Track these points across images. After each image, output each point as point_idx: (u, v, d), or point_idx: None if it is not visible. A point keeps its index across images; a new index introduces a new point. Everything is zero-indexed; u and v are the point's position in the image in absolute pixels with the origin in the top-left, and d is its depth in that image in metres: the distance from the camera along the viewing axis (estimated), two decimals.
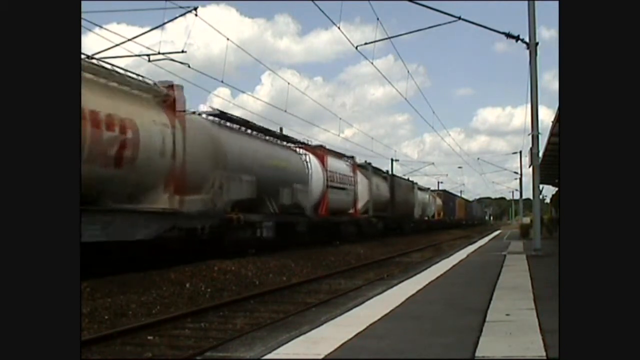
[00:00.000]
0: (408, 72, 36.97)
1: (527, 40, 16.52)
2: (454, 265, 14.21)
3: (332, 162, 26.78)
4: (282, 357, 4.87)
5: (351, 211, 29.65)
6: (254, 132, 20.35)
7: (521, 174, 51.77)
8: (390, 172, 41.93)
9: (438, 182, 70.41)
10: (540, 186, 23.20)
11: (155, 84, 14.30)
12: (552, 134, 17.63)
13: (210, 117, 17.27)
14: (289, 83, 32.57)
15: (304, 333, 5.77)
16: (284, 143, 23.24)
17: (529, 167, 18.42)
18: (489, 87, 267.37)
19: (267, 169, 19.04)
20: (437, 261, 16.00)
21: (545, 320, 6.00)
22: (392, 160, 50.11)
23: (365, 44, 18.49)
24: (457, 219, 73.35)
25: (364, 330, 5.83)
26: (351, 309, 7.33)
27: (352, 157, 31.05)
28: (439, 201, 62.30)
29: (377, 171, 37.03)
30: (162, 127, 13.52)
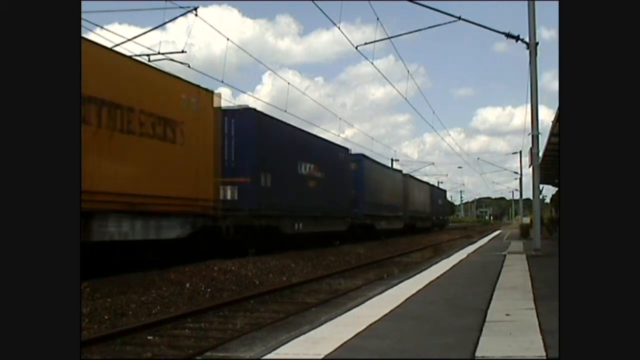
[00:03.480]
0: (408, 72, 36.78)
1: (527, 40, 16.53)
2: (454, 265, 14.21)
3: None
4: (282, 357, 4.87)
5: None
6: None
7: (521, 174, 51.80)
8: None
9: (438, 182, 70.10)
10: (540, 186, 23.21)
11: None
12: (552, 134, 17.63)
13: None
14: (289, 83, 32.63)
15: (304, 333, 5.77)
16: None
17: (529, 167, 18.44)
18: (489, 87, 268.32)
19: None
20: (437, 261, 16.00)
21: (545, 321, 6.00)
22: (392, 160, 50.03)
23: (366, 44, 18.54)
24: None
25: (364, 330, 5.83)
26: (351, 309, 7.33)
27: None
28: None
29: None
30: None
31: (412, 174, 51.27)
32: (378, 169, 35.87)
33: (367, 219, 32.01)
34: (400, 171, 44.28)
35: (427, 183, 57.09)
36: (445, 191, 73.51)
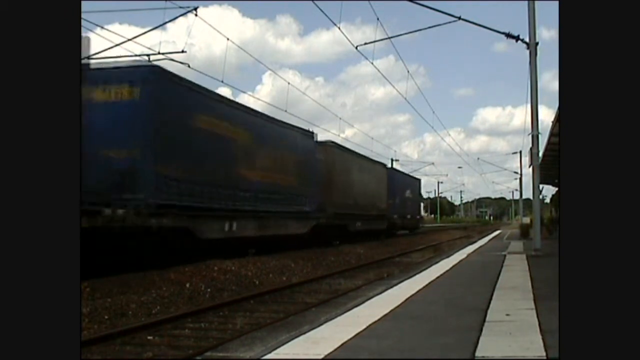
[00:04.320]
0: (408, 72, 36.75)
1: (527, 40, 16.53)
2: (453, 265, 14.21)
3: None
4: (282, 357, 4.87)
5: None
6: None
7: (521, 174, 51.82)
8: None
9: (438, 183, 69.25)
10: (540, 186, 23.21)
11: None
12: (552, 134, 17.64)
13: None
14: (289, 83, 32.44)
15: (304, 333, 5.76)
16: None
17: (529, 167, 18.44)
18: (489, 87, 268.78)
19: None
20: (437, 261, 16.00)
21: (545, 321, 6.00)
22: (392, 160, 49.98)
23: (366, 44, 18.58)
24: None
25: (364, 330, 5.83)
26: (351, 309, 7.33)
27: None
28: None
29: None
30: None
31: (360, 153, 32.37)
32: (226, 113, 16.65)
33: (170, 215, 13.63)
34: (312, 133, 23.67)
35: (382, 164, 37.19)
36: (418, 180, 50.71)
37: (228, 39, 17.48)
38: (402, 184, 41.84)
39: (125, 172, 12.58)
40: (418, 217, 48.92)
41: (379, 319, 6.42)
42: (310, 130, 23.68)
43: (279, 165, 20.06)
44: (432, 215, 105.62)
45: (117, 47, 15.96)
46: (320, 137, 25.89)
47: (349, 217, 27.91)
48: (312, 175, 23.03)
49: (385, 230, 35.96)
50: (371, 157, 34.36)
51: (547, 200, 44.46)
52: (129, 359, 7.32)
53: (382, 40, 19.45)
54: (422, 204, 59.30)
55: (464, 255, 18.11)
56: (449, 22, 16.40)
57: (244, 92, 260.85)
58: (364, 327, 5.96)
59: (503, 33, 16.66)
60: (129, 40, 16.30)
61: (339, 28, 20.56)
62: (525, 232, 32.91)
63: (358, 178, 29.98)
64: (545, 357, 4.58)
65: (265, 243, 18.88)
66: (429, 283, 10.16)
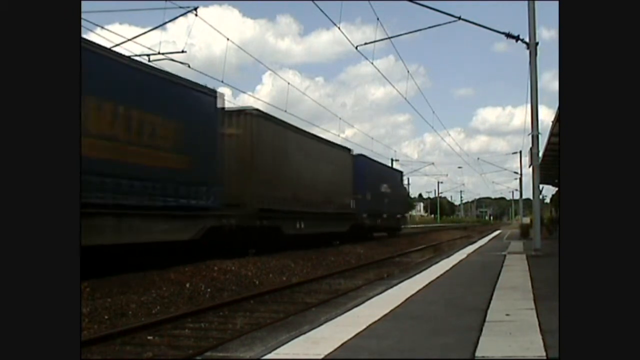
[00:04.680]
0: (408, 72, 36.80)
1: (527, 40, 16.53)
2: (453, 265, 14.21)
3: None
4: (282, 357, 4.87)
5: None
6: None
7: (521, 174, 51.83)
8: None
9: (438, 183, 68.91)
10: (540, 186, 23.21)
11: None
12: (552, 134, 17.64)
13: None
14: (289, 83, 32.38)
15: (304, 333, 5.76)
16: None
17: (529, 167, 18.44)
18: (489, 87, 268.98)
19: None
20: (436, 261, 16.00)
21: (545, 321, 6.00)
22: (392, 160, 50.04)
23: (366, 44, 18.62)
24: None
25: (364, 330, 5.83)
26: (351, 309, 7.33)
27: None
28: None
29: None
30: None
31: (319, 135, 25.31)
32: None
33: None
34: (214, 92, 16.09)
35: (346, 149, 28.74)
36: (400, 172, 42.64)
37: (228, 39, 17.50)
38: (375, 176, 33.12)
39: None
40: (399, 216, 40.20)
41: (379, 319, 6.42)
42: (213, 88, 16.06)
43: (139, 134, 12.89)
44: (432, 215, 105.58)
45: (117, 47, 15.95)
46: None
47: (284, 216, 20.21)
48: (212, 154, 15.58)
49: (348, 232, 27.60)
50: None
51: (547, 200, 44.48)
52: (129, 359, 7.33)
53: (382, 40, 19.59)
54: (406, 201, 48.64)
55: (464, 255, 18.11)
56: (449, 22, 16.43)
57: (244, 92, 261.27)
58: (364, 327, 5.96)
59: (503, 33, 16.66)
60: (129, 40, 16.33)
61: (339, 28, 20.64)
62: (525, 232, 32.91)
63: (302, 163, 21.95)
64: (545, 357, 4.58)
65: (101, 259, 11.54)
66: (429, 283, 10.15)
